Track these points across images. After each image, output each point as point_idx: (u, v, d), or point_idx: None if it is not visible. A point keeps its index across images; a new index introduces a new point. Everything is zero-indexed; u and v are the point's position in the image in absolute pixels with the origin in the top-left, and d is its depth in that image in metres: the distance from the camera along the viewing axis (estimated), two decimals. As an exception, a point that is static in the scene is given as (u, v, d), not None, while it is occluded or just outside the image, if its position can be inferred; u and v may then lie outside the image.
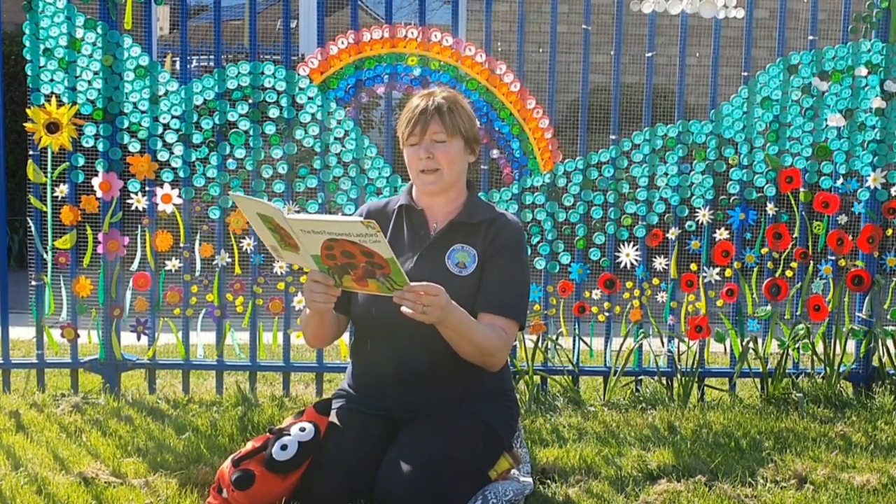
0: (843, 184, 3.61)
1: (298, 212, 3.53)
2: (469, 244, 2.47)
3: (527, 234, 3.55)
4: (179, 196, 3.50)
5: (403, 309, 2.18)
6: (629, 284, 3.65)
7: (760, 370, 3.66)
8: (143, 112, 3.46)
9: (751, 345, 3.65)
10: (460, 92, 2.63)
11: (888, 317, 3.69)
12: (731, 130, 3.59)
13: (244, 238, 3.55)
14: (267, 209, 2.14)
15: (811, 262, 3.65)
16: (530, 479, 2.56)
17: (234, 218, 3.52)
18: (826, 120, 3.58)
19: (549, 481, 2.68)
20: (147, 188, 3.50)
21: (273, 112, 3.50)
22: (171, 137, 3.48)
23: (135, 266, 3.54)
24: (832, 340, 3.66)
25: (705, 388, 3.69)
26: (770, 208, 3.61)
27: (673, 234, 3.61)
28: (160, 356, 3.67)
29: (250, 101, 3.50)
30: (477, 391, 2.50)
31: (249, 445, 2.34)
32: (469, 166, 2.56)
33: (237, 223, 3.52)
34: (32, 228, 3.48)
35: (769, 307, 3.65)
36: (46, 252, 3.48)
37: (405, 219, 2.54)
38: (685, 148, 3.60)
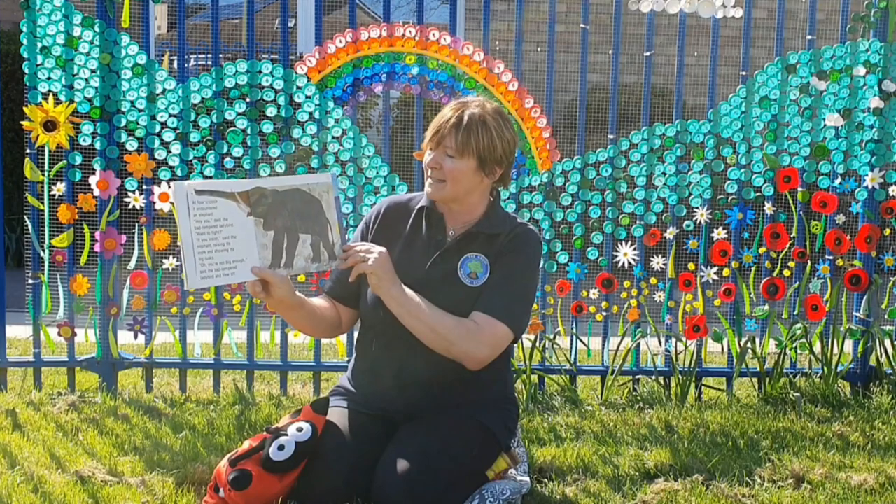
0: (840, 183, 3.61)
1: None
2: (483, 253, 2.43)
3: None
4: (177, 195, 3.49)
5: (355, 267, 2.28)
6: (627, 284, 3.65)
7: (758, 370, 3.66)
8: (140, 110, 3.45)
9: (748, 345, 3.65)
10: (498, 107, 2.46)
11: (886, 316, 3.70)
12: (730, 130, 3.59)
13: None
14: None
15: (809, 262, 3.65)
16: (527, 479, 2.56)
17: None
18: (824, 119, 3.58)
19: (546, 480, 2.68)
20: (144, 186, 3.50)
21: (271, 111, 3.49)
22: (168, 136, 3.48)
23: (132, 265, 3.54)
24: (830, 340, 3.66)
25: (703, 387, 3.69)
26: (768, 208, 3.61)
27: (671, 233, 3.61)
28: (157, 355, 3.67)
29: (248, 99, 3.49)
30: (477, 397, 2.49)
31: (246, 445, 2.34)
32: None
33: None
34: (30, 227, 3.47)
35: (767, 307, 3.65)
36: (44, 250, 3.47)
37: (425, 220, 2.51)
38: (683, 147, 3.60)
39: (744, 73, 3.62)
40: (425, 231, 2.49)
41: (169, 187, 3.43)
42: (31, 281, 3.50)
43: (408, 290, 2.32)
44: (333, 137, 3.53)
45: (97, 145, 3.45)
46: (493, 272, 2.41)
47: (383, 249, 2.30)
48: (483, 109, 2.41)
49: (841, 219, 3.64)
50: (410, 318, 2.31)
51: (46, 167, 3.44)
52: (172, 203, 3.45)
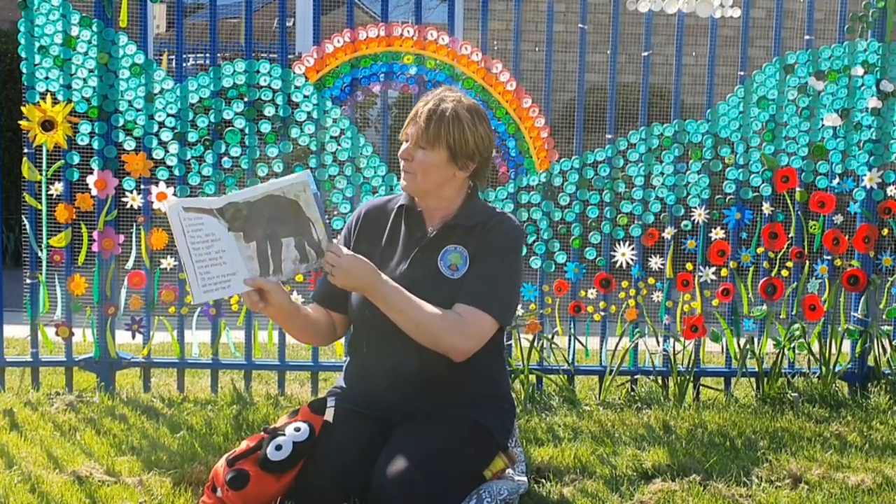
0: (839, 183, 3.61)
1: None
2: (462, 245, 2.44)
3: (523, 233, 3.54)
4: (174, 194, 3.49)
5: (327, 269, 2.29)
6: (625, 284, 3.65)
7: (756, 370, 3.66)
8: (138, 110, 3.45)
9: (748, 345, 3.65)
10: (475, 103, 2.46)
11: (884, 316, 3.70)
12: (728, 130, 3.59)
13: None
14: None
15: (807, 262, 3.65)
16: (525, 479, 2.56)
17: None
18: (822, 119, 3.58)
19: (543, 480, 2.68)
20: (142, 186, 3.49)
21: (269, 110, 3.49)
22: (166, 135, 3.47)
23: (130, 264, 3.53)
24: (828, 340, 3.66)
25: (701, 387, 3.70)
26: (766, 208, 3.62)
27: (669, 233, 3.61)
28: (155, 355, 3.67)
29: (246, 99, 3.49)
30: (472, 395, 2.48)
31: (244, 445, 2.34)
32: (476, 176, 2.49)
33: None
34: (27, 226, 3.47)
35: (765, 307, 3.65)
36: (41, 250, 3.47)
37: (404, 219, 2.52)
38: (681, 147, 3.60)
39: (742, 72, 3.62)
40: (405, 229, 2.50)
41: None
42: (28, 280, 3.50)
43: (391, 285, 2.31)
44: (331, 137, 3.52)
45: (95, 145, 3.45)
46: (473, 263, 2.41)
47: (348, 255, 2.27)
48: (458, 104, 2.41)
49: (839, 219, 3.64)
50: (394, 313, 2.31)
51: (44, 167, 3.43)
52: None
